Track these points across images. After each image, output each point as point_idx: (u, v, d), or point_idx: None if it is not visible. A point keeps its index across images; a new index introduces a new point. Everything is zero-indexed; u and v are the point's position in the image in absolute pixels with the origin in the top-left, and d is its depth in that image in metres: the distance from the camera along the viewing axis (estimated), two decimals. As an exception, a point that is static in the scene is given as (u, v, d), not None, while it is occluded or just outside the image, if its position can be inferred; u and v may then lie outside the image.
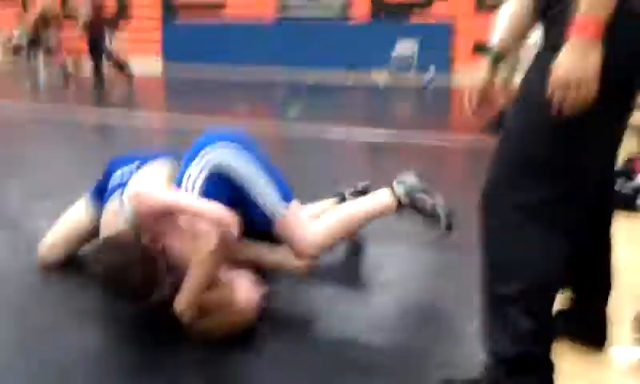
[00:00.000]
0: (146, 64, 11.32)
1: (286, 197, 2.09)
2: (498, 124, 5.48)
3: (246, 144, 2.15)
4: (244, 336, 1.87)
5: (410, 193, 2.20)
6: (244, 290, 1.88)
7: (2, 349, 1.85)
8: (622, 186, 3.18)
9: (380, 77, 9.96)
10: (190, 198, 1.99)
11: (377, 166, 4.50)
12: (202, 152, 2.09)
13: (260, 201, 2.04)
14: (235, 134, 2.20)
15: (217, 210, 1.84)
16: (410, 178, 2.24)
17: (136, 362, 1.81)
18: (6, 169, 4.13)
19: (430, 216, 2.19)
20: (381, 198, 2.23)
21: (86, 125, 6.30)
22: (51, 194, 3.47)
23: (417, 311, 2.13)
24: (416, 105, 8.80)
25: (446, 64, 11.24)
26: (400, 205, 2.20)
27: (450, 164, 4.85)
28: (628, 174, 3.35)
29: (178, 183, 2.08)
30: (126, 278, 1.78)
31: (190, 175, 2.06)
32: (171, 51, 12.82)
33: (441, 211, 2.18)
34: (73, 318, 2.02)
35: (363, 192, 2.50)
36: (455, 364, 1.73)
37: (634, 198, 3.12)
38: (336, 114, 7.08)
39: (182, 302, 1.81)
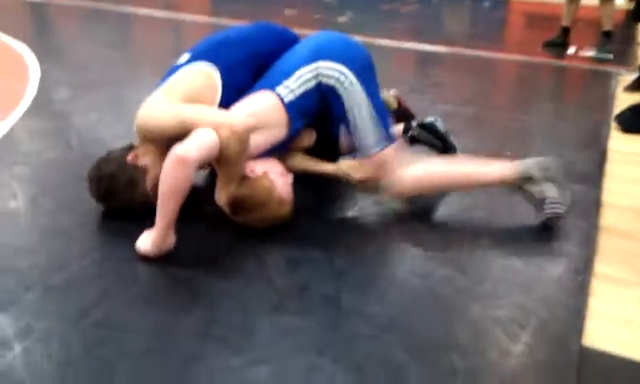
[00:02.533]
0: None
1: (386, 136, 2.03)
2: (558, 43, 5.24)
3: (365, 66, 2.07)
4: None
5: (529, 178, 1.98)
6: (280, 182, 1.92)
7: (52, 233, 1.90)
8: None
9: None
10: (207, 110, 1.89)
11: (425, 75, 4.36)
12: (320, 61, 2.01)
13: (358, 133, 2.01)
14: (356, 51, 2.10)
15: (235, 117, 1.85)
16: (537, 164, 2.01)
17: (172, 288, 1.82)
18: (52, 61, 4.16)
19: (540, 208, 1.98)
20: (497, 170, 2.03)
21: (122, 20, 6.25)
22: (96, 87, 3.50)
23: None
24: (472, 17, 8.41)
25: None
26: (512, 183, 2.01)
27: (505, 81, 4.65)
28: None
29: (276, 77, 2.03)
30: (111, 186, 1.92)
31: (300, 76, 2.00)
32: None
33: (557, 208, 1.95)
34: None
35: (429, 128, 2.38)
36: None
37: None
38: (386, 22, 6.83)
39: (220, 198, 1.92)
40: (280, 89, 2.00)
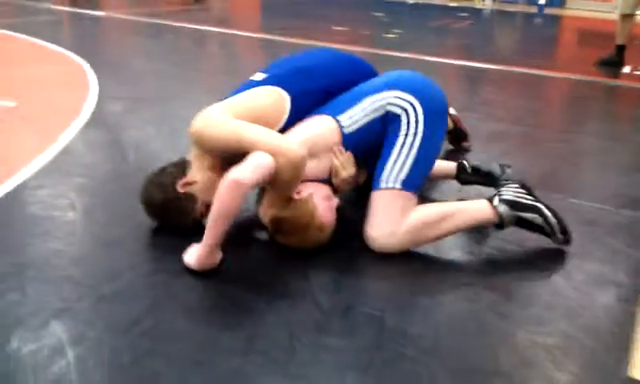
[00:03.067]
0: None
1: (410, 184, 1.94)
2: (613, 61, 5.11)
3: (438, 111, 2.03)
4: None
5: (513, 210, 1.94)
6: (322, 206, 1.90)
7: (105, 244, 1.97)
8: None
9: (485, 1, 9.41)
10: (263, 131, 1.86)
11: (475, 93, 4.32)
12: (394, 91, 2.00)
13: (390, 162, 1.95)
14: (434, 92, 2.06)
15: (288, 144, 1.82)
16: (512, 191, 2.00)
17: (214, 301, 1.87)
18: (109, 74, 4.31)
19: (541, 231, 1.97)
20: (480, 210, 1.97)
21: (181, 37, 6.42)
22: (151, 102, 3.62)
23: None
24: (524, 33, 8.29)
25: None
26: (502, 222, 1.94)
27: (556, 100, 4.57)
28: None
29: (341, 104, 2.04)
30: (163, 213, 1.99)
31: (368, 105, 2.01)
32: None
33: (552, 224, 1.95)
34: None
35: (485, 173, 2.35)
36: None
37: None
38: (436, 39, 6.80)
39: (264, 215, 1.99)
40: (342, 117, 2.01)
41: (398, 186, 1.93)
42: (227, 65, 5.27)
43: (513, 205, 1.94)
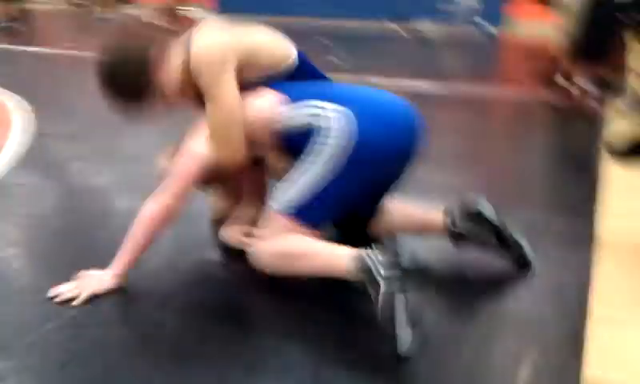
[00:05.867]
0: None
1: (307, 217, 1.71)
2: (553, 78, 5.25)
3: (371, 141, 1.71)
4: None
5: (367, 273, 1.55)
6: None
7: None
8: None
9: (427, 27, 9.62)
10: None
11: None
12: (335, 105, 1.73)
13: (289, 181, 1.75)
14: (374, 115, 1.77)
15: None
16: (380, 256, 1.56)
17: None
18: (41, 109, 4.16)
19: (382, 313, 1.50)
20: (337, 259, 1.65)
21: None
22: (85, 137, 3.50)
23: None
24: (466, 52, 8.49)
25: (498, 14, 10.83)
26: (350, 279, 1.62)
27: (499, 118, 4.65)
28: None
29: (295, 93, 1.82)
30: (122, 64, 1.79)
31: (313, 108, 1.76)
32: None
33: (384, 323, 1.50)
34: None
35: (478, 219, 1.89)
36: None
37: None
38: (380, 63, 6.87)
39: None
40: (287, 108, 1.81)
41: (283, 208, 1.73)
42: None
43: (366, 271, 1.56)
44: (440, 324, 1.67)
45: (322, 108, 1.75)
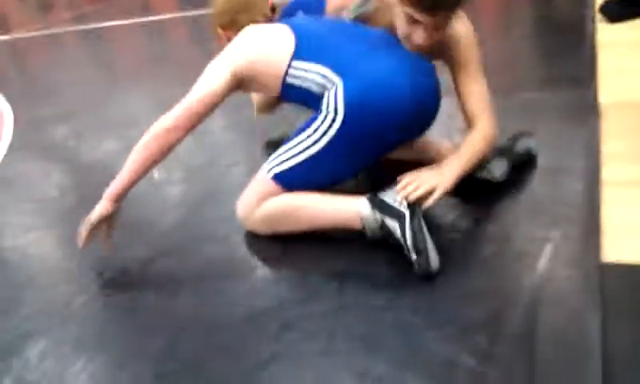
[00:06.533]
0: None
1: (284, 180, 1.73)
2: None
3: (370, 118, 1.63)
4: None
5: (382, 216, 1.59)
6: None
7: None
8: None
9: None
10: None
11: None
12: (336, 76, 1.65)
13: (283, 150, 1.74)
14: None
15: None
16: (389, 196, 1.60)
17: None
18: (26, 96, 4.12)
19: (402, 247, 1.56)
20: (344, 210, 1.67)
21: (95, 39, 6.17)
22: (77, 113, 3.47)
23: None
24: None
25: None
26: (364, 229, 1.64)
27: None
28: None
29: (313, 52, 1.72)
30: None
31: (318, 75, 1.69)
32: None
33: (416, 246, 1.49)
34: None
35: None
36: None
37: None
38: None
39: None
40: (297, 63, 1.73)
41: (271, 175, 1.75)
42: (156, 54, 5.08)
43: (381, 207, 1.60)
44: (455, 226, 1.68)
45: (326, 78, 1.67)
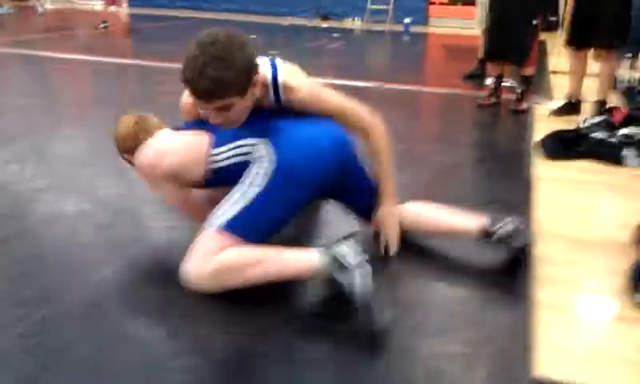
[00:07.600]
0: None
1: (235, 226, 1.74)
2: (476, 75, 5.45)
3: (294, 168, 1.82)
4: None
5: (338, 263, 1.64)
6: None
7: None
8: (605, 137, 3.16)
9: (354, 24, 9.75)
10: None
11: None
12: (258, 139, 1.84)
13: (225, 205, 1.80)
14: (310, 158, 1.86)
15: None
16: (343, 248, 1.66)
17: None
18: None
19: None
20: (299, 261, 1.73)
21: (37, 65, 6.03)
22: (14, 139, 3.32)
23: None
24: (393, 51, 8.66)
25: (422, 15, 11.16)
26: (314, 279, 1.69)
27: (429, 113, 4.78)
28: (608, 124, 3.34)
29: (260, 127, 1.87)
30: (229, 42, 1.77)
31: (240, 148, 1.87)
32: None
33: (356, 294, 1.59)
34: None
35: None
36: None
37: (619, 149, 3.09)
38: (311, 59, 6.92)
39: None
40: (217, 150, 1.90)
41: (217, 226, 1.75)
42: (98, 94, 5.00)
43: (337, 261, 1.64)
44: (397, 319, 1.71)
45: (249, 144, 1.86)
